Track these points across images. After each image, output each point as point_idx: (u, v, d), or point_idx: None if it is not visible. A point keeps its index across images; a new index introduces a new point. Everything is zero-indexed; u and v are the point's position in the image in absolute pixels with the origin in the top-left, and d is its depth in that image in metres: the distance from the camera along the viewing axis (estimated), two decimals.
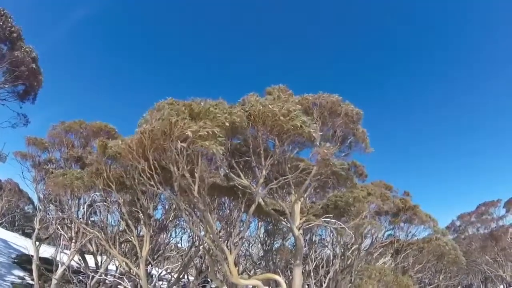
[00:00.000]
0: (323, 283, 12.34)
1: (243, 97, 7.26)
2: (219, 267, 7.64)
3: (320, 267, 11.98)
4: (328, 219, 7.79)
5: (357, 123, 8.24)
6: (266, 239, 11.45)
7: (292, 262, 8.12)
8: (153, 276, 13.61)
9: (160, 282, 15.35)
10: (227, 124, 5.88)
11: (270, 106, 6.40)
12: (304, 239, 12.06)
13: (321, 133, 7.66)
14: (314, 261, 12.30)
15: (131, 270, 8.96)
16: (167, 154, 6.18)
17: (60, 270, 12.20)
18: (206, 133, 5.56)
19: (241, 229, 8.94)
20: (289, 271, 11.51)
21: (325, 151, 6.68)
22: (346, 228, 7.81)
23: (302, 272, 11.16)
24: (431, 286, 19.01)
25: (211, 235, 7.19)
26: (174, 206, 10.46)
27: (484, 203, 21.75)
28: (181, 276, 12.70)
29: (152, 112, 6.40)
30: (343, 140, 8.50)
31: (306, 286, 11.35)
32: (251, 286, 8.95)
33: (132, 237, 8.66)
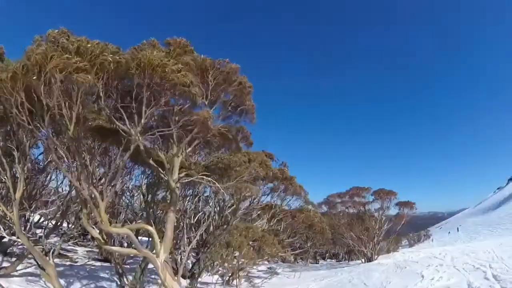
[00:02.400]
0: (203, 237, 13.05)
1: (142, 41, 7.19)
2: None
3: (202, 222, 12.55)
4: (205, 177, 8.09)
5: (248, 95, 8.74)
6: (148, 190, 11.48)
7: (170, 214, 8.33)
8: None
9: (39, 230, 14.61)
10: (110, 66, 5.80)
11: (161, 58, 6.43)
12: (187, 194, 12.51)
13: (210, 97, 7.99)
14: (196, 215, 12.86)
15: (6, 216, 8.42)
16: (41, 87, 5.85)
17: None
18: (83, 65, 5.44)
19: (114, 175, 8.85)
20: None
21: (205, 115, 6.97)
22: (220, 188, 8.27)
23: (183, 224, 11.66)
24: (301, 250, 21.36)
25: (82, 180, 6.93)
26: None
27: (356, 187, 24.40)
28: (59, 223, 12.27)
29: (36, 42, 6.03)
30: (235, 108, 8.97)
31: (187, 239, 11.81)
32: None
33: (5, 177, 8.07)
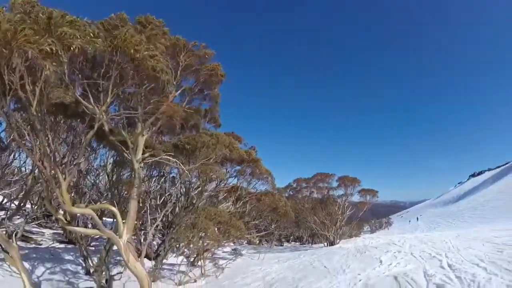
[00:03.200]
0: (168, 218, 13.11)
1: (111, 15, 6.91)
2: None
3: (167, 203, 12.57)
4: (170, 158, 8.10)
5: (219, 83, 8.79)
6: (114, 170, 11.27)
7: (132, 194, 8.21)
8: None
9: (2, 212, 14.19)
10: (76, 51, 5.71)
11: (136, 42, 6.36)
12: (153, 175, 12.49)
13: (179, 79, 7.99)
14: (162, 196, 12.88)
15: None
16: (4, 64, 5.67)
17: None
18: (49, 49, 5.31)
19: (77, 154, 8.67)
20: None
21: (171, 98, 6.97)
22: (184, 169, 8.31)
23: (148, 205, 11.66)
24: (266, 232, 21.83)
25: (44, 159, 6.66)
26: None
27: (321, 173, 25.07)
28: (22, 204, 12.00)
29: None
30: (201, 92, 9.01)
31: (152, 220, 11.84)
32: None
33: None
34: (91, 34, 5.99)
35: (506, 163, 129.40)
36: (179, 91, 8.11)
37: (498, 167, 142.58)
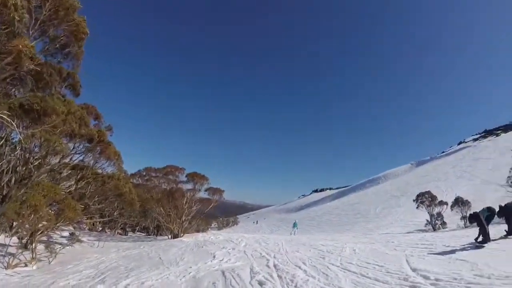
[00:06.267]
0: (3, 191, 11.53)
1: None
2: None
3: (5, 172, 11.06)
4: (4, 116, 7.22)
5: (82, 40, 8.18)
6: None
7: None
8: None
9: None
10: None
11: None
12: None
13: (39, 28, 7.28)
14: None
15: None
16: None
17: None
18: None
19: None
20: None
21: (22, 44, 6.30)
22: (18, 132, 7.44)
23: None
24: (110, 219, 20.84)
25: None
26: None
27: (171, 166, 25.91)
28: None
29: None
30: (63, 47, 8.24)
31: None
32: None
33: None
34: None
35: (346, 186, 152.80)
36: (36, 41, 7.33)
37: (338, 188, 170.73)
